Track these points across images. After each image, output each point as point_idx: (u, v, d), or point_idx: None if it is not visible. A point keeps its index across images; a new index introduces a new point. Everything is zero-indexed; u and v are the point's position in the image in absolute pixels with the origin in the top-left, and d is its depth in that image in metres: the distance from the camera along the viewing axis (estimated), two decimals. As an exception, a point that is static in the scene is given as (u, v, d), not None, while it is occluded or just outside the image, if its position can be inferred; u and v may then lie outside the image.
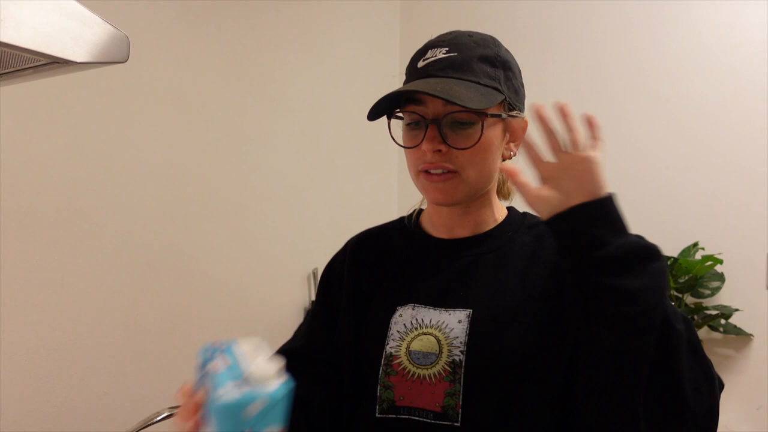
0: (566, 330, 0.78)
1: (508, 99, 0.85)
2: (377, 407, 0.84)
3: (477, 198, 0.88)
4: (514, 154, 0.89)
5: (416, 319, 0.85)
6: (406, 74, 0.89)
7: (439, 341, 0.82)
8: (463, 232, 0.90)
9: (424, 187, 0.87)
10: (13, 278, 1.26)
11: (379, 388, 0.84)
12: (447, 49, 0.83)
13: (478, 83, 0.82)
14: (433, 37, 0.88)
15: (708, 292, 1.96)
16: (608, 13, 2.23)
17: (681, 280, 1.91)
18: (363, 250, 0.96)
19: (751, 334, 1.96)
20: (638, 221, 2.32)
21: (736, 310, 1.92)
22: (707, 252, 1.96)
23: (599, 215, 0.76)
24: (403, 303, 0.87)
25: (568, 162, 0.79)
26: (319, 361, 0.92)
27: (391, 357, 0.84)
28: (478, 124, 0.82)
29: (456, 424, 0.79)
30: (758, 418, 1.97)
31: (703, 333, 1.99)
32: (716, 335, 2.02)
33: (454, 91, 0.79)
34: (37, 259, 1.31)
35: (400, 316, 0.86)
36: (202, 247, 1.66)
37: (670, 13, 2.13)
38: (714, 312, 1.93)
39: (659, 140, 2.14)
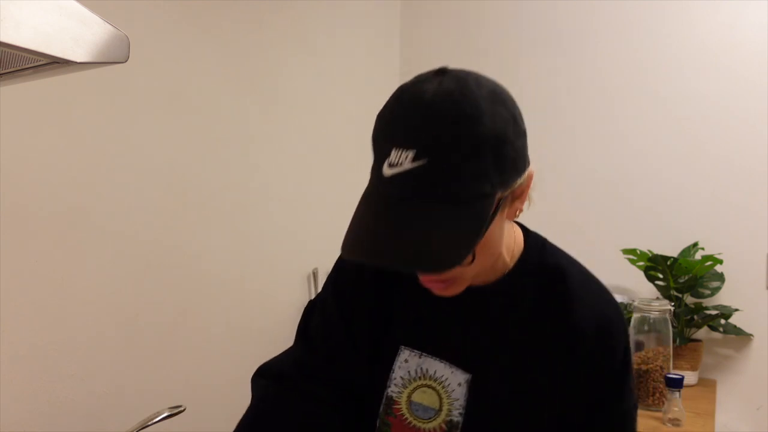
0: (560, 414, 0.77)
1: (504, 184, 0.69)
2: None
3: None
4: (521, 211, 0.76)
5: (421, 369, 0.81)
6: (373, 149, 0.72)
7: (440, 397, 0.79)
8: (475, 282, 0.78)
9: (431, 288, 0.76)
10: (12, 278, 1.26)
11: (378, 421, 0.82)
12: (414, 153, 0.63)
13: (461, 201, 0.65)
14: (396, 106, 0.68)
15: (708, 292, 1.96)
16: (609, 13, 2.23)
17: (681, 280, 1.91)
18: (382, 273, 0.84)
19: (751, 334, 1.96)
20: (638, 221, 2.34)
21: (736, 310, 1.92)
22: (707, 252, 1.97)
23: None
24: (410, 346, 0.82)
25: None
26: (338, 383, 0.85)
27: (392, 401, 0.81)
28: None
29: None
30: (758, 418, 1.97)
31: (703, 333, 1.99)
32: (716, 335, 2.02)
33: (413, 249, 0.63)
34: (37, 259, 1.31)
35: (406, 361, 0.81)
36: (202, 246, 1.66)
37: (670, 13, 2.13)
38: (714, 312, 1.93)
39: (659, 140, 2.14)
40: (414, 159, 0.63)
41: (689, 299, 1.97)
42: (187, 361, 1.62)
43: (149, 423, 1.17)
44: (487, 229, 0.66)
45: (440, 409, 0.79)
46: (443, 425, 0.79)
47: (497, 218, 0.69)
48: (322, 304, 0.88)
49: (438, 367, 0.80)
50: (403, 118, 0.66)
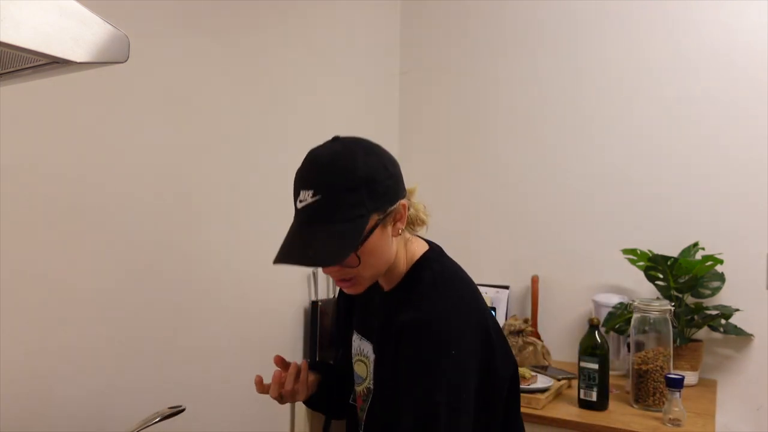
0: None
1: (377, 208, 0.97)
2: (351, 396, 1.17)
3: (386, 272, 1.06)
4: (402, 231, 1.03)
5: (359, 347, 1.14)
6: (293, 193, 1.01)
7: (367, 368, 1.08)
8: (387, 285, 1.10)
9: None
10: (12, 278, 1.26)
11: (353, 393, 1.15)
12: (312, 192, 0.95)
13: (343, 221, 0.94)
14: (302, 172, 1.01)
15: (708, 292, 1.96)
16: (609, 13, 2.23)
17: (681, 280, 1.91)
18: None
19: (751, 334, 1.96)
20: (638, 221, 2.34)
21: (736, 310, 1.92)
22: (707, 252, 1.97)
23: None
24: (356, 329, 1.16)
25: None
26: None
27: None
28: (355, 255, 0.96)
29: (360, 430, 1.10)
30: (758, 418, 1.97)
31: (703, 333, 1.99)
32: (716, 335, 2.02)
33: (320, 254, 0.93)
34: (37, 259, 1.31)
35: (354, 341, 1.15)
36: (202, 246, 1.66)
37: (672, 14, 2.13)
38: (714, 312, 1.93)
39: (659, 140, 2.14)
40: (312, 196, 0.95)
41: (689, 299, 1.97)
42: (187, 361, 1.62)
43: (149, 423, 1.17)
44: (364, 240, 0.95)
45: (365, 378, 1.09)
46: (365, 390, 1.09)
47: (379, 234, 0.98)
48: (335, 305, 1.31)
49: (364, 345, 1.11)
50: (306, 170, 0.99)
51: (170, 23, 1.58)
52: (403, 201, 1.02)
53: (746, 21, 2.01)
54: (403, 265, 1.07)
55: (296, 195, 0.99)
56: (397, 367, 0.97)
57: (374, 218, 0.97)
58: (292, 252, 0.95)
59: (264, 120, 1.87)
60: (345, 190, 0.94)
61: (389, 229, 1.00)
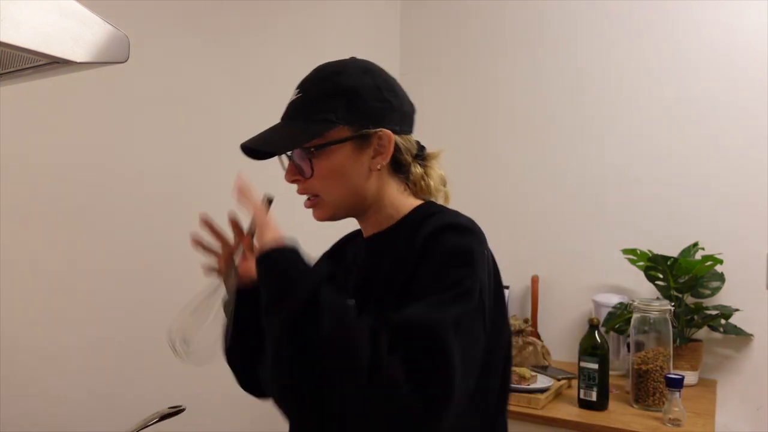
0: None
1: (351, 120, 0.92)
2: None
3: (365, 209, 0.97)
4: (381, 168, 0.95)
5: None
6: None
7: None
8: (368, 231, 1.01)
9: None
10: (12, 278, 1.26)
11: None
12: (298, 90, 0.97)
13: (308, 119, 0.93)
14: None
15: (708, 292, 1.96)
16: (610, 14, 2.23)
17: (681, 280, 1.91)
18: (338, 245, 1.14)
19: (751, 334, 1.96)
20: (638, 221, 2.33)
21: (736, 310, 1.92)
22: (707, 252, 1.96)
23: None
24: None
25: None
26: None
27: None
28: (315, 156, 0.92)
29: None
30: (758, 418, 1.97)
31: (703, 333, 1.99)
32: (716, 335, 2.02)
33: (270, 139, 0.95)
34: (37, 259, 1.31)
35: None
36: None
37: (672, 14, 2.13)
38: (714, 312, 1.93)
39: (659, 141, 2.14)
40: (296, 94, 0.97)
41: (689, 299, 1.97)
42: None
43: (149, 423, 1.17)
44: (324, 147, 0.91)
45: None
46: None
47: (347, 153, 0.92)
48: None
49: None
50: (307, 75, 0.99)
51: (170, 23, 1.58)
52: (390, 133, 0.93)
53: (746, 21, 2.01)
54: (392, 210, 0.97)
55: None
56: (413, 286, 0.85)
57: (344, 130, 0.91)
58: (254, 139, 0.96)
59: (264, 120, 1.87)
60: (324, 94, 0.94)
61: (366, 158, 0.93)
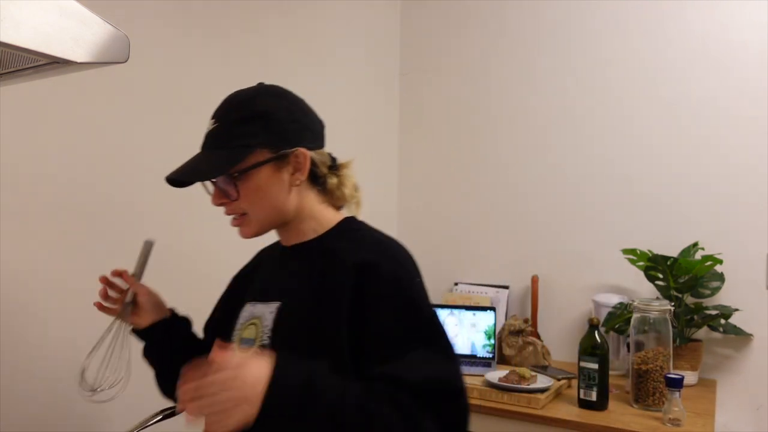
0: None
1: (269, 142, 0.99)
2: None
3: (285, 222, 1.05)
4: (300, 183, 1.03)
5: (251, 312, 1.06)
6: None
7: (257, 329, 1.03)
8: (290, 240, 1.09)
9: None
10: (12, 278, 1.26)
11: None
12: (214, 120, 1.02)
13: (228, 147, 0.99)
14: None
15: (708, 292, 1.96)
16: (609, 13, 2.23)
17: (681, 280, 1.91)
18: (256, 261, 1.23)
19: (751, 334, 1.96)
20: (638, 221, 2.33)
21: (736, 310, 1.92)
22: (707, 252, 1.96)
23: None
24: (251, 299, 1.09)
25: None
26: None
27: (231, 341, 1.07)
28: (240, 179, 0.99)
29: None
30: (758, 418, 1.97)
31: (703, 333, 1.99)
32: (716, 335, 2.02)
33: (195, 169, 1.00)
34: (37, 258, 1.31)
35: (245, 310, 1.08)
36: (202, 246, 1.66)
37: (670, 14, 2.13)
38: (714, 312, 1.93)
39: (659, 141, 2.14)
40: (213, 124, 1.02)
41: (689, 299, 1.97)
42: (187, 361, 1.62)
43: (149, 423, 1.17)
44: (245, 171, 0.98)
45: (256, 338, 1.02)
46: (258, 350, 1.00)
47: (269, 173, 1.00)
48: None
49: (259, 308, 1.05)
50: (220, 104, 1.05)
51: (170, 23, 1.58)
52: (305, 150, 1.01)
53: (747, 21, 2.01)
54: (314, 222, 1.06)
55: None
56: (344, 305, 0.94)
57: (263, 153, 0.98)
58: (179, 170, 1.01)
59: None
60: (238, 120, 1.00)
61: (286, 175, 1.01)
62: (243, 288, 1.16)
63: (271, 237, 1.15)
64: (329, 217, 1.07)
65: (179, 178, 1.01)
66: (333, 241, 1.04)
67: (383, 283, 0.96)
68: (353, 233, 1.05)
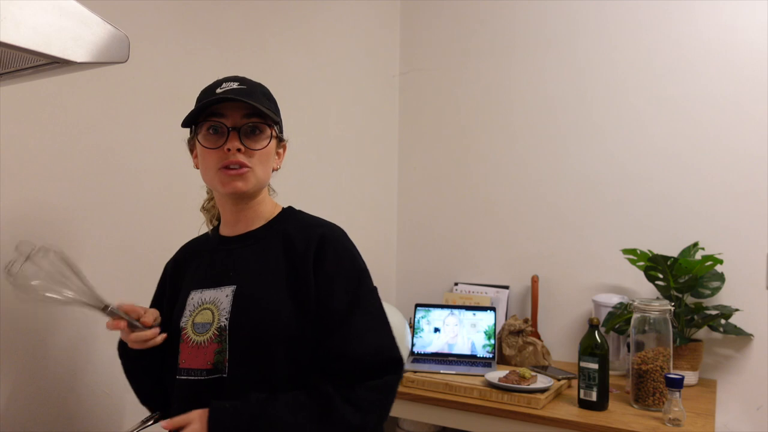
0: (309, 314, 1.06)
1: (278, 123, 1.14)
2: (176, 370, 1.10)
3: (256, 196, 1.14)
4: (278, 168, 1.18)
5: (201, 299, 1.11)
6: (200, 99, 1.13)
7: (213, 313, 1.08)
8: (239, 228, 1.16)
9: (222, 181, 1.08)
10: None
11: (179, 356, 1.10)
12: (239, 83, 1.10)
13: (262, 103, 1.09)
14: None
15: (708, 292, 1.96)
16: (609, 14, 2.23)
17: (681, 280, 1.91)
18: (181, 255, 1.26)
19: (751, 334, 1.96)
20: (638, 221, 2.33)
21: (736, 310, 1.92)
22: (707, 252, 1.96)
23: None
24: (195, 288, 1.14)
25: None
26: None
27: (181, 330, 1.11)
28: (268, 132, 1.11)
29: (224, 375, 1.04)
30: (758, 418, 1.97)
31: (703, 333, 1.99)
32: (716, 335, 2.02)
33: (259, 101, 1.08)
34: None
35: (192, 298, 1.13)
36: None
37: (671, 15, 2.13)
38: (714, 312, 1.93)
39: (659, 141, 2.14)
40: (239, 85, 1.10)
41: (689, 299, 1.97)
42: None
43: (149, 423, 1.17)
44: (276, 127, 1.13)
45: (212, 321, 1.07)
46: (215, 332, 1.06)
47: (273, 147, 1.13)
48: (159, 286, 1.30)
49: (212, 293, 1.11)
50: (226, 78, 1.13)
51: (170, 23, 1.58)
52: (286, 143, 1.19)
53: (747, 21, 2.01)
54: (268, 208, 1.18)
55: (215, 87, 1.10)
56: (288, 280, 1.07)
57: (276, 128, 1.13)
58: (235, 96, 1.06)
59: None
60: (263, 93, 1.13)
61: (274, 157, 1.15)
62: (174, 281, 1.22)
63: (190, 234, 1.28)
64: (274, 206, 1.20)
65: (258, 105, 1.06)
66: (284, 225, 1.15)
67: (339, 256, 1.09)
68: (300, 219, 1.18)
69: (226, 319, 1.06)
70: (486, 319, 2.08)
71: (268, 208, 1.18)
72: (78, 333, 1.38)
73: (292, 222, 1.16)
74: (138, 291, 1.51)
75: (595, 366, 1.65)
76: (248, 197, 1.13)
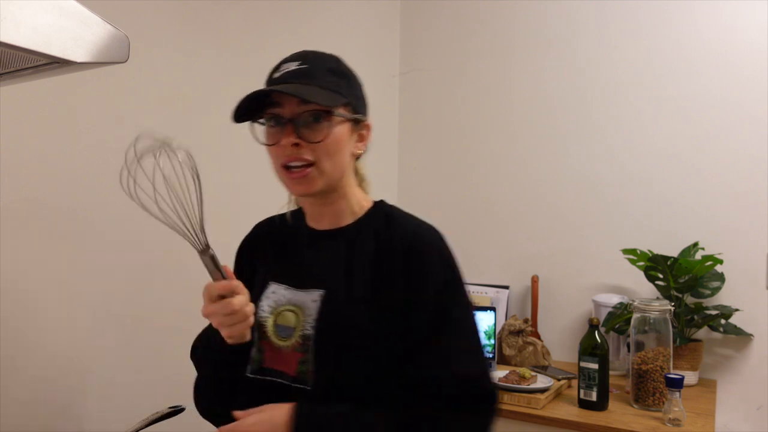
0: (397, 323, 0.94)
1: (351, 102, 0.97)
2: (249, 367, 1.00)
3: (334, 191, 0.99)
4: (362, 153, 1.02)
5: (285, 297, 1.01)
6: (265, 85, 1.01)
7: (297, 317, 0.98)
8: (324, 224, 1.04)
9: (286, 183, 0.98)
10: (13, 278, 1.26)
11: (254, 349, 1.00)
12: (299, 62, 0.97)
13: (322, 87, 0.94)
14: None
15: (708, 292, 1.96)
16: (608, 14, 2.23)
17: (681, 280, 1.91)
18: (259, 235, 1.15)
19: (751, 334, 1.96)
20: (638, 221, 2.33)
21: (736, 310, 1.92)
22: (707, 252, 1.96)
23: None
24: (277, 281, 1.03)
25: None
26: None
27: (261, 325, 1.00)
28: (327, 122, 0.94)
29: (308, 387, 0.95)
30: (758, 418, 1.97)
31: (703, 333, 1.99)
32: (716, 335, 2.02)
33: (302, 91, 0.92)
34: (37, 259, 1.31)
35: (274, 291, 1.02)
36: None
37: (671, 15, 2.13)
38: (714, 312, 1.93)
39: (659, 141, 2.14)
40: (299, 65, 0.97)
41: (689, 299, 1.96)
42: (187, 361, 1.61)
43: (149, 423, 1.17)
44: (339, 114, 0.94)
45: (296, 327, 0.97)
46: (299, 339, 0.97)
47: (345, 132, 0.96)
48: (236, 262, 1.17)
49: (298, 295, 1.00)
50: (293, 54, 1.03)
51: (170, 23, 1.58)
52: (370, 123, 1.02)
53: (747, 21, 2.01)
54: (357, 201, 1.03)
55: (274, 71, 1.01)
56: (385, 289, 0.95)
57: (347, 109, 0.97)
58: (288, 87, 0.94)
59: (264, 120, 1.87)
60: (328, 70, 0.98)
61: (352, 141, 0.99)
62: (251, 260, 1.11)
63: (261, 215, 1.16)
64: (364, 199, 1.05)
65: (296, 94, 0.92)
66: (376, 224, 1.01)
67: (432, 265, 0.96)
68: (393, 217, 1.03)
69: (311, 327, 0.96)
70: (486, 319, 2.08)
71: (356, 201, 1.03)
72: (78, 332, 1.38)
73: (385, 220, 1.02)
74: (138, 291, 1.51)
75: (595, 366, 1.65)
76: (323, 195, 0.99)
